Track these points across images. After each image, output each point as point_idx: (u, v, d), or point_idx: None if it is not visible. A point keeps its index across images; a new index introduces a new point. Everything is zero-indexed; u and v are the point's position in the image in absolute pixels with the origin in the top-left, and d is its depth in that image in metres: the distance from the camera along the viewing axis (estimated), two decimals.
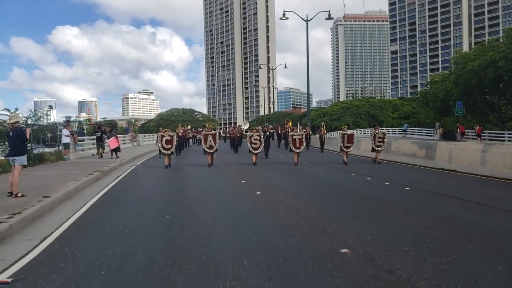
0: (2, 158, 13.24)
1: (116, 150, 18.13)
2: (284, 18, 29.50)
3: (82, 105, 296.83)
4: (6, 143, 10.98)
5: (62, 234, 5.49)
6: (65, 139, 17.47)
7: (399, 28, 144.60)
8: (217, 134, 16.45)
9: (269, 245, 4.73)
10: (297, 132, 15.95)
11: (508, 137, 28.94)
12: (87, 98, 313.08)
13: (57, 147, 18.38)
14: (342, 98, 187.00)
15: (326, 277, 3.69)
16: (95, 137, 20.28)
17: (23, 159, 7.98)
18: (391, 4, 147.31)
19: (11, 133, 7.85)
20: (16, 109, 15.46)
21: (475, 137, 30.43)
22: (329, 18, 29.04)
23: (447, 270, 3.83)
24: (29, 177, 10.50)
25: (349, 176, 11.91)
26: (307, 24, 28.97)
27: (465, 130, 32.87)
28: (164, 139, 14.67)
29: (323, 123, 28.40)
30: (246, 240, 4.94)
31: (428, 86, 42.26)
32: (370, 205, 7.25)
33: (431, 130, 39.79)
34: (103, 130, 19.46)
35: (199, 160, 17.20)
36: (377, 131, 15.96)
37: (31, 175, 11.08)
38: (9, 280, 3.76)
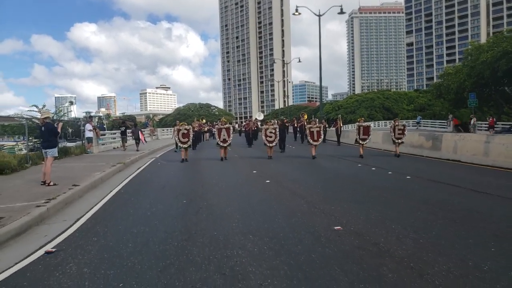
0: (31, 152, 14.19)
1: (139, 142, 20.22)
2: (297, 13, 29.92)
3: (102, 101, 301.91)
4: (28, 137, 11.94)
5: (93, 216, 6.27)
6: (88, 134, 18.43)
7: (415, 20, 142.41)
8: (231, 128, 16.28)
9: (273, 223, 5.41)
10: (315, 124, 15.40)
11: None
12: (106, 94, 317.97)
13: (80, 141, 19.49)
14: (358, 91, 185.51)
15: (318, 248, 4.34)
16: (116, 132, 21.56)
17: (54, 151, 8.82)
18: None
19: (43, 128, 8.69)
20: (44, 106, 16.43)
21: (488, 129, 30.39)
22: (341, 12, 29.32)
23: (424, 243, 4.44)
24: (57, 168, 11.37)
25: (357, 167, 12.40)
26: (319, 19, 29.31)
27: (477, 121, 32.72)
28: (181, 132, 14.76)
29: (339, 115, 28.47)
30: (253, 220, 5.62)
31: (442, 78, 42.04)
32: (370, 192, 7.83)
33: (444, 122, 39.74)
34: (126, 126, 20.94)
35: (214, 154, 16.80)
36: (397, 123, 15.54)
37: (59, 167, 11.96)
38: (54, 250, 4.53)
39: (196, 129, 21.57)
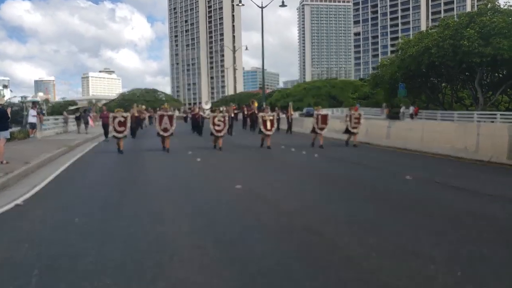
0: None
1: (87, 126, 22.89)
2: (241, 4, 31.41)
3: (39, 85, 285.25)
4: None
5: (47, 185, 7.71)
6: (32, 119, 19.00)
7: (362, 10, 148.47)
8: (175, 115, 14.33)
9: (189, 183, 7.15)
10: (268, 112, 14.63)
11: (441, 117, 32.70)
12: (44, 78, 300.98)
13: (23, 127, 20.00)
14: (308, 78, 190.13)
15: (221, 197, 6.14)
16: (58, 117, 22.66)
17: (7, 133, 9.95)
18: None
19: None
20: None
21: (411, 116, 34.04)
22: (283, 5, 31.12)
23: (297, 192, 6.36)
24: (6, 150, 12.29)
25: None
26: (262, 11, 31.04)
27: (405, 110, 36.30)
28: (117, 120, 12.95)
29: (290, 103, 27.51)
30: (174, 181, 7.33)
31: (378, 69, 45.62)
32: (283, 167, 9.79)
33: (378, 110, 43.35)
34: (80, 112, 23.33)
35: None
36: (352, 112, 14.90)
37: (8, 149, 12.82)
38: (22, 203, 6.01)
39: (136, 115, 20.66)
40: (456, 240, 4.13)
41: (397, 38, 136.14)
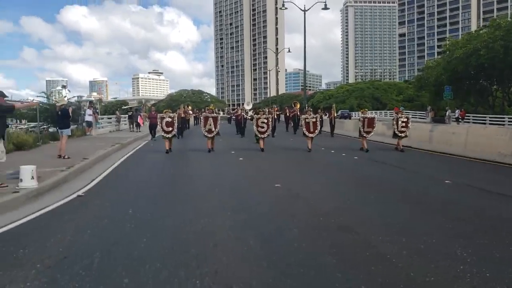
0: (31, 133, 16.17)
1: (139, 125, 24.33)
2: (284, 8, 31.74)
3: (93, 85, 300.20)
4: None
5: (104, 178, 8.45)
6: (88, 118, 20.42)
7: (407, 11, 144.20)
8: (219, 117, 14.76)
9: (232, 181, 7.57)
10: (311, 114, 14.45)
11: (489, 121, 31.32)
12: (97, 78, 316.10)
13: (80, 125, 21.45)
14: (351, 80, 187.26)
15: (262, 196, 6.50)
16: (111, 116, 24.04)
17: (68, 131, 10.92)
18: None
19: (59, 112, 10.73)
20: (51, 93, 18.32)
21: (457, 120, 32.84)
22: (325, 8, 31.14)
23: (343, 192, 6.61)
24: (66, 147, 13.35)
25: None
26: (304, 14, 31.19)
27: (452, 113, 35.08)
28: (165, 121, 13.40)
29: (333, 105, 27.07)
30: (219, 179, 7.79)
31: (423, 71, 44.37)
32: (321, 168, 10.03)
33: (423, 113, 42.12)
34: (132, 111, 26.24)
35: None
36: (399, 115, 14.51)
37: (67, 146, 13.89)
38: (83, 194, 6.67)
39: (182, 116, 20.83)
40: (487, 243, 4.23)
41: (444, 39, 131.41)
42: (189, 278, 3.32)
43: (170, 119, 13.47)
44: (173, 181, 8.12)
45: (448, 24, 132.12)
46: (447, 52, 37.54)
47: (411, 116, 15.24)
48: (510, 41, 28.44)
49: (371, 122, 14.29)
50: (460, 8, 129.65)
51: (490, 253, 3.93)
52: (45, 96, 18.01)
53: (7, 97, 8.49)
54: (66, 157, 10.50)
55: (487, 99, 39.13)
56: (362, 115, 14.81)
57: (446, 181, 7.87)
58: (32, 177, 6.84)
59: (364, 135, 14.15)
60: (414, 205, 6.16)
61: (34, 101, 16.03)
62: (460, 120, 33.01)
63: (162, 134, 13.69)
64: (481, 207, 5.93)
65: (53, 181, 7.45)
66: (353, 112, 62.99)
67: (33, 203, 6.20)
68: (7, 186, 6.80)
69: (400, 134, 14.03)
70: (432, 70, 38.85)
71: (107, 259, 3.81)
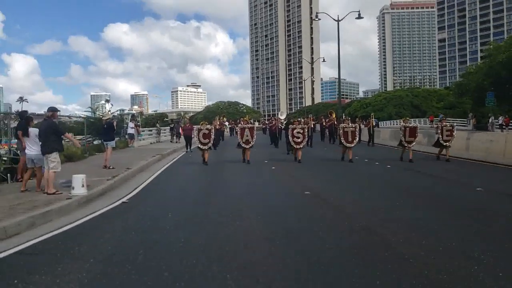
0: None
1: (179, 136, 25.14)
2: (317, 19, 32.09)
3: (134, 98, 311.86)
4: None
5: (145, 187, 9.10)
6: (131, 130, 21.54)
7: (447, 15, 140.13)
8: (255, 127, 14.84)
9: (265, 189, 7.96)
10: (349, 123, 14.05)
11: None
12: (138, 92, 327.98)
13: (123, 137, 22.68)
14: (389, 87, 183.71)
15: (292, 203, 6.86)
16: (152, 129, 25.19)
17: (113, 143, 11.75)
18: None
19: (105, 125, 11.60)
20: (97, 108, 19.55)
21: (500, 127, 31.59)
22: (359, 17, 31.13)
23: (364, 199, 6.86)
24: (110, 158, 14.30)
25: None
26: (338, 24, 31.35)
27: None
28: (202, 132, 13.45)
29: (372, 114, 26.56)
30: (252, 187, 8.20)
31: (464, 77, 43.06)
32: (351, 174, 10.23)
33: (464, 121, 40.78)
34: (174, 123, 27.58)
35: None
36: (444, 123, 13.95)
37: (112, 157, 14.86)
38: (127, 201, 7.29)
39: (217, 127, 20.57)
40: (507, 246, 4.38)
41: (487, 43, 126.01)
42: (221, 272, 3.74)
43: (207, 131, 13.53)
44: (209, 188, 8.63)
45: (491, 28, 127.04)
46: (490, 57, 36.24)
47: (455, 124, 14.89)
48: None
49: (413, 132, 13.65)
50: (505, 10, 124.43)
51: (507, 257, 4.08)
52: (91, 111, 19.26)
53: (59, 111, 9.35)
54: (110, 167, 11.30)
55: None
56: (404, 123, 14.25)
57: (478, 189, 7.88)
58: (83, 185, 7.56)
59: (406, 144, 13.51)
60: (442, 210, 6.29)
61: (82, 117, 17.23)
62: (504, 127, 31.75)
63: (198, 145, 13.65)
64: (507, 213, 5.98)
65: (100, 189, 8.16)
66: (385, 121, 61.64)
67: (84, 208, 6.88)
68: (61, 193, 7.55)
69: (445, 144, 13.44)
70: (473, 76, 37.67)
71: (149, 255, 4.30)
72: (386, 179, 10.16)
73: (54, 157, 7.76)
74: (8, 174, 9.43)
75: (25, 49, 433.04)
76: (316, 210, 6.34)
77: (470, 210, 6.23)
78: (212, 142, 14.01)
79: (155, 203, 7.20)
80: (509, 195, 7.38)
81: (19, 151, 9.88)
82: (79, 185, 7.53)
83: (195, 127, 15.14)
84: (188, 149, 19.40)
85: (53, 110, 8.33)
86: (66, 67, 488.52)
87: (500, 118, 32.94)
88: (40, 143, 7.88)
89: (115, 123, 12.35)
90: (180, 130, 25.49)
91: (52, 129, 7.85)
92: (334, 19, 31.54)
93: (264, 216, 6.00)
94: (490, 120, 34.20)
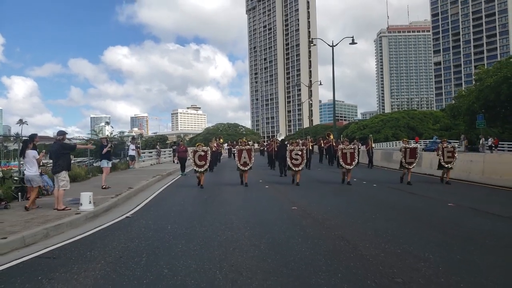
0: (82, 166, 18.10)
1: None
2: (313, 44, 33.39)
3: (134, 120, 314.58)
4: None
5: (147, 203, 9.85)
6: (131, 152, 22.35)
7: (442, 39, 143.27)
8: (253, 149, 14.32)
9: (256, 206, 8.72)
10: (348, 145, 13.79)
11: None
12: (138, 114, 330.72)
13: (123, 159, 23.48)
14: (387, 109, 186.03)
15: (279, 216, 7.62)
16: (152, 150, 25.85)
17: (104, 163, 12.62)
18: (433, 15, 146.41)
19: (102, 147, 12.47)
20: (100, 130, 20.39)
21: (490, 148, 32.48)
22: (353, 43, 32.45)
23: (342, 213, 7.62)
24: (112, 178, 15.08)
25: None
26: (332, 49, 32.66)
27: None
28: (197, 154, 13.14)
29: (370, 135, 26.77)
30: (244, 204, 8.96)
31: (456, 100, 44.28)
32: (339, 192, 10.99)
33: (457, 142, 41.67)
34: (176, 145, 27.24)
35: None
36: (445, 145, 13.58)
37: (114, 177, 15.70)
38: (130, 215, 8.05)
39: (214, 149, 20.40)
40: (457, 251, 5.14)
41: (482, 66, 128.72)
42: (212, 269, 4.49)
43: (203, 153, 13.20)
44: (205, 205, 9.36)
45: (485, 51, 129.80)
46: (480, 81, 37.45)
47: (456, 146, 14.76)
48: None
49: (413, 153, 13.46)
50: (497, 34, 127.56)
51: (452, 257, 4.84)
52: (95, 133, 20.11)
53: (67, 133, 10.18)
54: (104, 187, 12.08)
55: None
56: (404, 144, 13.99)
57: (449, 204, 8.66)
58: (90, 202, 8.34)
59: (406, 166, 13.30)
60: (413, 222, 7.04)
61: (85, 139, 18.09)
62: (493, 148, 32.64)
63: (195, 168, 13.30)
64: (469, 224, 6.75)
65: (106, 205, 8.93)
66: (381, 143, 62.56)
67: (92, 222, 7.63)
68: (70, 209, 8.32)
69: (446, 165, 13.18)
70: (464, 98, 38.83)
71: (152, 258, 5.04)
72: (372, 197, 10.83)
73: (64, 176, 8.56)
74: (19, 193, 10.18)
75: (25, 71, 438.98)
76: (300, 222, 7.08)
77: (436, 222, 6.99)
78: (208, 164, 13.57)
79: (155, 217, 7.93)
80: (472, 209, 8.15)
81: None
82: (86, 201, 8.30)
83: (190, 149, 14.61)
84: (183, 172, 18.73)
85: (62, 133, 9.17)
86: (66, 89, 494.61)
87: (489, 139, 33.89)
88: (52, 162, 8.71)
89: (108, 146, 13.04)
90: None
91: (64, 149, 8.69)
92: (329, 45, 32.86)
93: (253, 226, 6.76)
94: (481, 142, 35.13)
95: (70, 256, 5.24)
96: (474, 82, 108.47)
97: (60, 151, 8.63)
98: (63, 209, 8.26)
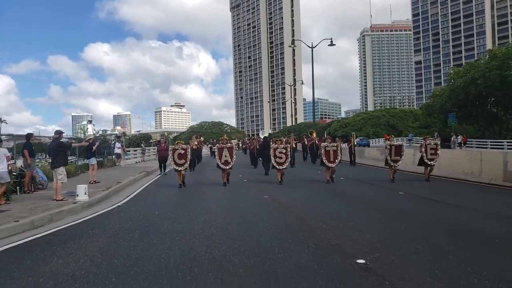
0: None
1: None
2: (292, 46, 34.71)
3: (117, 119, 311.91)
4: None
5: (135, 195, 11.00)
6: (117, 150, 23.32)
7: (422, 39, 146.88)
8: (234, 147, 13.90)
9: (235, 199, 9.95)
10: (331, 142, 13.61)
11: (491, 145, 32.90)
12: (121, 112, 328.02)
13: (107, 157, 24.45)
14: (370, 107, 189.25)
15: (252, 204, 8.85)
16: (137, 149, 26.88)
17: (92, 160, 13.71)
18: (414, 15, 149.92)
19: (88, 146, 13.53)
20: (87, 129, 21.33)
21: (459, 145, 34.46)
22: (331, 44, 33.84)
23: (321, 209, 8.91)
24: (101, 174, 16.09)
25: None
26: (312, 51, 34.02)
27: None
28: (177, 153, 12.81)
29: (353, 133, 27.06)
30: (223, 195, 10.18)
31: (431, 99, 46.34)
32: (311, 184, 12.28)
33: (431, 139, 43.76)
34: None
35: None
36: (428, 142, 13.64)
37: (102, 174, 16.71)
38: (121, 204, 9.16)
39: (194, 147, 19.85)
40: (386, 223, 6.46)
41: (460, 65, 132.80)
42: (192, 239, 5.70)
43: (183, 151, 12.88)
44: (188, 197, 10.54)
45: (463, 51, 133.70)
46: (452, 81, 39.44)
47: (439, 142, 14.93)
48: (504, 71, 30.32)
49: (398, 150, 13.48)
50: (475, 34, 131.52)
51: (384, 232, 6.15)
52: (82, 132, 21.05)
53: (64, 132, 11.21)
54: (92, 182, 13.15)
55: (492, 124, 40.62)
56: (389, 142, 13.98)
57: (400, 193, 10.06)
58: (85, 193, 9.43)
59: (392, 164, 13.37)
60: (367, 208, 8.36)
61: (67, 138, 18.95)
62: (462, 145, 34.61)
63: (174, 166, 12.94)
64: (411, 207, 8.13)
65: (99, 197, 10.03)
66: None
67: (88, 210, 8.74)
68: (67, 199, 9.40)
69: (429, 162, 13.22)
70: (438, 98, 40.78)
71: (143, 233, 6.21)
72: (337, 190, 12.11)
73: (62, 170, 9.63)
74: (18, 187, 11.18)
75: (1, 68, 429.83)
76: (268, 207, 8.35)
77: (383, 206, 8.35)
78: (188, 162, 13.28)
79: (144, 205, 9.08)
80: (423, 198, 9.55)
81: (24, 168, 11.75)
82: (82, 193, 9.39)
83: (171, 146, 14.27)
84: (162, 172, 18.14)
85: (59, 132, 10.25)
86: (45, 87, 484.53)
87: (459, 137, 35.86)
88: (51, 158, 9.77)
89: (96, 145, 14.15)
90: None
91: (61, 147, 9.77)
92: (309, 46, 34.21)
93: (227, 210, 8.01)
94: (452, 139, 37.09)
95: (76, 234, 6.37)
96: (448, 82, 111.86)
97: (57, 149, 9.69)
98: (61, 200, 9.33)
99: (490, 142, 33.79)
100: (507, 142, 31.41)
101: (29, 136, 12.04)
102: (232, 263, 4.51)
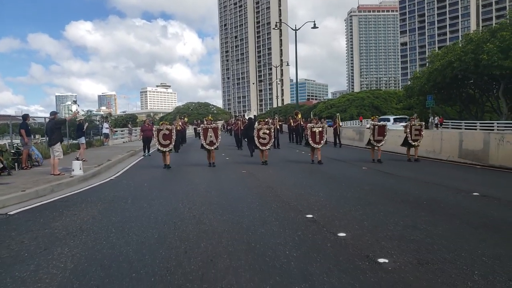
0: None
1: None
2: (276, 28, 35.44)
3: (102, 99, 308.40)
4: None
5: (125, 171, 12.05)
6: (105, 130, 24.18)
7: (408, 20, 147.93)
8: (219, 127, 13.87)
9: (219, 177, 11.08)
10: (317, 123, 13.66)
11: (465, 125, 34.60)
12: (106, 92, 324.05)
13: (97, 137, 25.27)
14: (356, 89, 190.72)
15: (230, 178, 9.99)
16: (124, 129, 27.68)
17: (82, 139, 14.69)
18: None
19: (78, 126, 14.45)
20: (76, 108, 21.97)
21: (436, 126, 36.11)
22: (314, 27, 34.68)
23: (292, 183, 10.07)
24: (91, 153, 17.05)
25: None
26: (295, 33, 34.80)
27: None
28: (162, 133, 12.67)
29: (338, 114, 27.09)
30: (207, 174, 11.29)
31: (411, 81, 47.73)
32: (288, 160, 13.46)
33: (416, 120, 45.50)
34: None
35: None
36: (413, 122, 13.75)
37: (92, 153, 17.64)
38: (114, 178, 10.21)
39: (179, 128, 19.22)
40: (344, 195, 7.67)
41: (434, 50, 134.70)
42: (176, 203, 6.82)
43: (167, 132, 12.75)
44: (174, 173, 11.62)
45: (448, 33, 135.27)
46: (431, 63, 40.74)
47: (423, 123, 14.60)
48: (479, 54, 31.66)
49: (382, 130, 13.58)
50: (460, 16, 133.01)
51: (359, 203, 7.36)
52: (71, 113, 21.74)
53: (58, 113, 12.13)
54: (82, 159, 13.98)
55: (467, 106, 42.30)
56: (373, 122, 14.13)
57: (363, 168, 11.31)
58: (80, 168, 10.43)
59: (375, 144, 13.49)
60: (341, 184, 9.57)
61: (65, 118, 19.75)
62: (439, 125, 36.25)
63: (158, 147, 12.79)
64: (369, 181, 9.36)
65: (92, 172, 11.05)
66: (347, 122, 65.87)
67: (84, 183, 9.77)
68: (64, 174, 10.39)
69: (413, 143, 13.46)
70: (417, 80, 42.11)
71: (135, 200, 7.29)
72: (311, 167, 13.19)
73: (58, 147, 10.60)
74: (16, 163, 12.10)
75: None
76: (244, 180, 9.50)
77: (357, 182, 9.57)
78: (173, 143, 13.11)
79: (134, 179, 10.15)
80: (387, 174, 10.82)
81: (22, 146, 12.67)
82: (77, 168, 10.39)
83: (155, 127, 13.85)
84: (146, 153, 17.78)
85: (54, 113, 11.24)
86: (26, 66, 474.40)
87: (436, 118, 37.45)
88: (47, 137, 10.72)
89: (85, 125, 15.16)
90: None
91: (57, 126, 10.73)
92: (292, 29, 34.97)
93: (215, 191, 9.12)
94: (430, 120, 38.67)
95: (77, 201, 7.42)
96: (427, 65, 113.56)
97: (54, 127, 10.63)
98: (59, 174, 10.32)
99: (465, 123, 35.46)
100: (480, 123, 33.05)
101: (25, 116, 12.89)
102: (208, 218, 5.67)
